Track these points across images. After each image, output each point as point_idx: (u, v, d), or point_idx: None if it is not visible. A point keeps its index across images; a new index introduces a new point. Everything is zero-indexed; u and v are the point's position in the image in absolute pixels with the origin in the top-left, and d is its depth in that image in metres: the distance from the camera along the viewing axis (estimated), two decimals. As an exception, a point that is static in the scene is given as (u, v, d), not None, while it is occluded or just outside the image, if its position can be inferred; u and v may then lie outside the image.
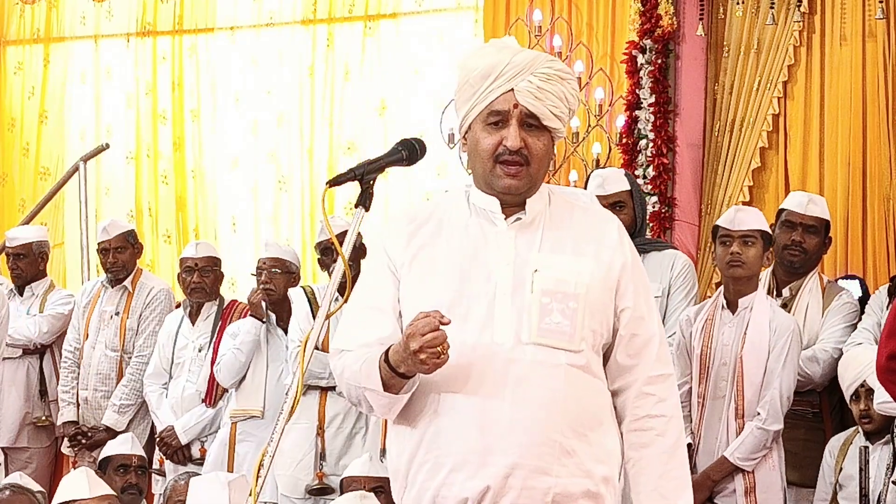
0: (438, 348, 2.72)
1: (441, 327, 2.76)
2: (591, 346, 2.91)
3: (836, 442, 5.25)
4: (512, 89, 2.90)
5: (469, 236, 2.96)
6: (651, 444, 2.91)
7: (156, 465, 6.66)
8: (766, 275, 5.68)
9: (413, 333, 2.74)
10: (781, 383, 5.01)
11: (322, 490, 5.95)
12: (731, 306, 5.13)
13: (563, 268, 2.91)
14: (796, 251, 5.54)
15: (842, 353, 5.35)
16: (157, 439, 6.63)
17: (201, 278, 6.70)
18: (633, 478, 2.93)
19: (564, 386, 2.85)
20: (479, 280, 2.90)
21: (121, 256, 6.98)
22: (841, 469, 5.13)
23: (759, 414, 5.01)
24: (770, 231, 5.26)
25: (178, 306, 7.13)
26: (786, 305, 5.53)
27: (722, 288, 5.23)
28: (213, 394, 6.51)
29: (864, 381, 4.98)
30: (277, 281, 6.34)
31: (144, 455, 6.19)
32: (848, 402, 5.16)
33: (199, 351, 6.65)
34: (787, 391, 5.05)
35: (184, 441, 6.53)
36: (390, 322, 2.95)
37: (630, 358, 2.94)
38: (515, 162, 2.91)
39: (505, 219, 2.96)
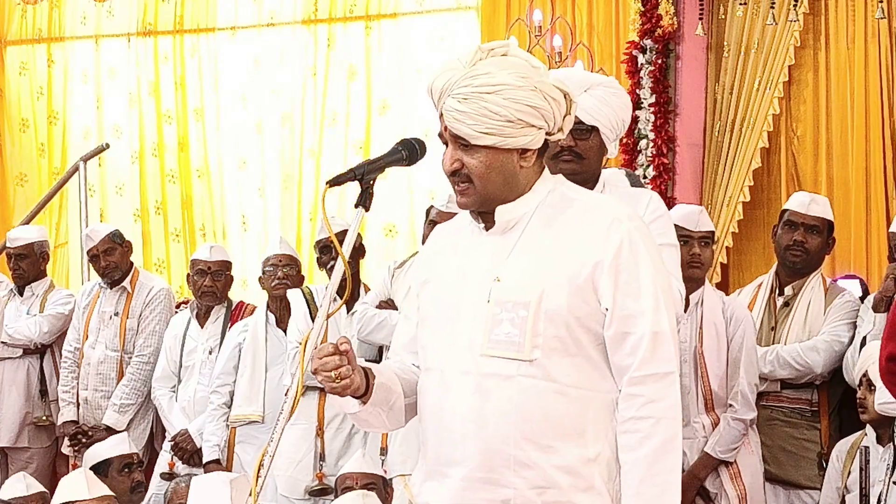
0: (331, 373, 2.79)
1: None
2: (560, 352, 2.82)
3: (843, 446, 5.24)
4: (442, 112, 2.87)
5: (461, 248, 2.98)
6: (637, 447, 2.80)
7: (165, 469, 6.63)
8: (769, 275, 5.70)
9: (313, 357, 2.82)
10: (747, 371, 5.05)
11: (321, 491, 5.95)
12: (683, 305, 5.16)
13: (523, 274, 2.85)
14: (798, 251, 5.54)
15: (842, 347, 5.38)
16: (172, 443, 6.60)
17: (213, 282, 6.71)
18: (622, 482, 2.84)
19: (518, 397, 2.80)
20: (457, 290, 2.92)
21: (111, 258, 6.97)
22: (849, 473, 5.12)
23: (731, 406, 5.06)
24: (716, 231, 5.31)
25: (178, 306, 7.14)
26: (788, 304, 5.54)
27: None
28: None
29: (866, 370, 4.99)
30: (293, 280, 6.37)
31: (139, 452, 6.20)
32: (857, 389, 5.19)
33: (210, 353, 6.64)
34: (754, 377, 5.12)
35: (199, 444, 6.51)
36: (410, 329, 3.05)
37: (626, 357, 2.83)
38: (459, 181, 2.88)
39: (486, 228, 2.94)
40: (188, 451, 6.52)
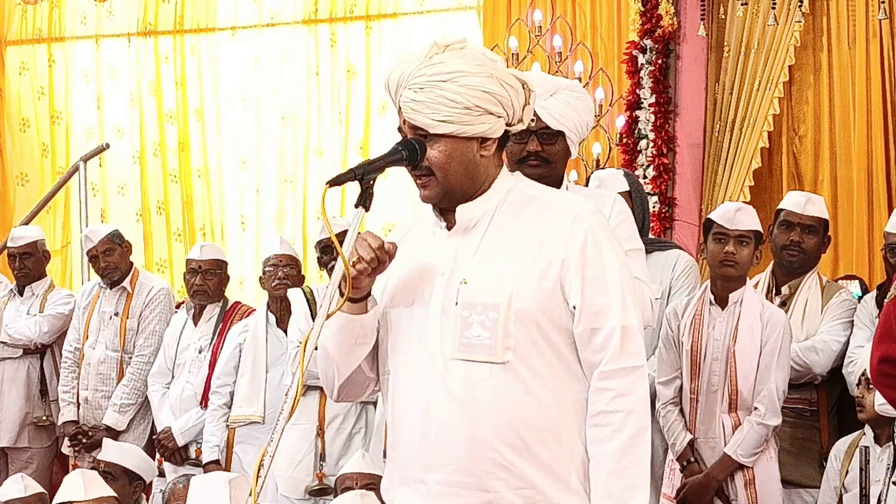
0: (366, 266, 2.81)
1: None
2: (532, 353, 2.82)
3: (841, 445, 5.25)
4: (400, 106, 2.87)
5: (422, 246, 2.96)
6: (605, 441, 2.80)
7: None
8: (765, 274, 5.69)
9: (357, 239, 2.85)
10: (777, 377, 5.03)
11: (322, 491, 5.95)
12: (721, 302, 5.12)
13: (490, 275, 2.84)
14: (795, 251, 5.53)
15: (841, 346, 5.37)
16: (155, 441, 6.62)
17: (204, 281, 6.70)
18: (591, 475, 2.84)
19: (492, 400, 2.80)
20: (422, 292, 2.90)
21: (111, 259, 6.97)
22: (847, 472, 5.12)
23: (756, 409, 5.01)
24: (762, 230, 5.26)
25: (178, 306, 7.14)
26: (784, 303, 5.54)
27: (708, 283, 5.22)
28: (208, 396, 6.49)
29: (865, 370, 4.99)
30: (294, 280, 6.37)
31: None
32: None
33: (199, 352, 6.65)
34: (783, 384, 5.07)
35: (181, 443, 6.52)
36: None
37: (596, 353, 2.83)
38: (420, 175, 2.88)
39: (448, 227, 2.93)
40: (169, 450, 6.53)
